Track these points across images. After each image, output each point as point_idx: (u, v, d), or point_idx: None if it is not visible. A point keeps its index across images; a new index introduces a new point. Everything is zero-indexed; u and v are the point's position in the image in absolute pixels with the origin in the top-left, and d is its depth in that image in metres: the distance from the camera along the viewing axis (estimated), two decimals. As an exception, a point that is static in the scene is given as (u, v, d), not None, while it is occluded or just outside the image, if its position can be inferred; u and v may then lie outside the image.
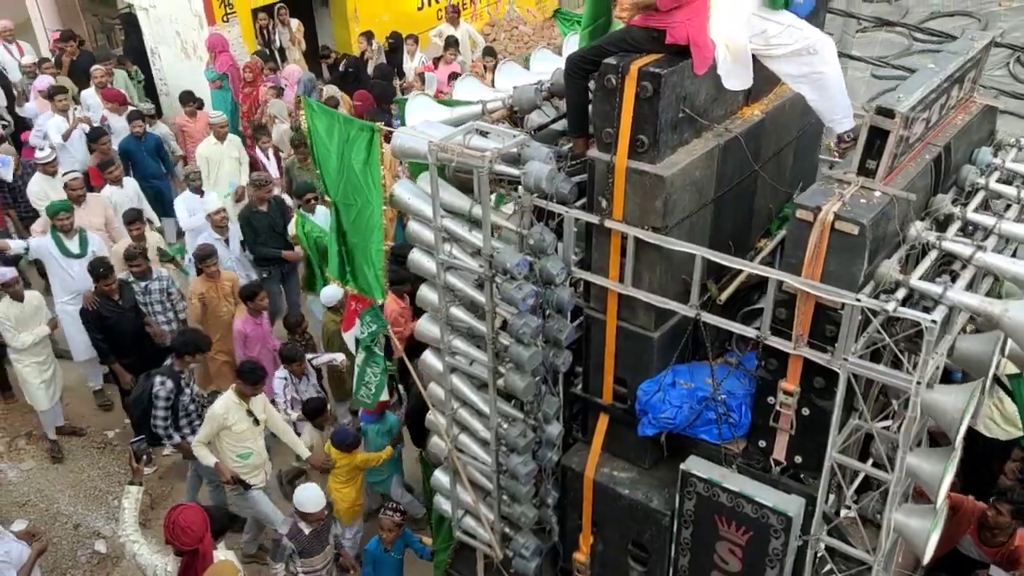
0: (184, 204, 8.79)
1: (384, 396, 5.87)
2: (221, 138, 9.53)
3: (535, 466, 4.59)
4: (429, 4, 14.49)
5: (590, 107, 4.27)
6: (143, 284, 7.56)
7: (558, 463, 4.78)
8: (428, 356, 4.70)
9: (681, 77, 3.95)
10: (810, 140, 4.97)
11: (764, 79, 4.34)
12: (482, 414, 4.63)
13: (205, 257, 7.60)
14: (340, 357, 7.22)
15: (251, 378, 6.13)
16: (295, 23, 12.48)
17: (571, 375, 4.71)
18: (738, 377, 4.24)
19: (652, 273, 4.17)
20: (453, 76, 10.65)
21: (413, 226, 4.46)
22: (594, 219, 4.18)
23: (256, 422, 6.25)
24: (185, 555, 4.78)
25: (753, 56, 4.14)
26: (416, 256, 4.51)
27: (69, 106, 9.81)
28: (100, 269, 7.23)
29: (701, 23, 4.00)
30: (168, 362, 6.58)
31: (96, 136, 9.49)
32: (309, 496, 5.56)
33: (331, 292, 6.96)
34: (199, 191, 8.75)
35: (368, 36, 12.53)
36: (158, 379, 6.38)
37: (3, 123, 10.33)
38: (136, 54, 12.41)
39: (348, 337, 6.23)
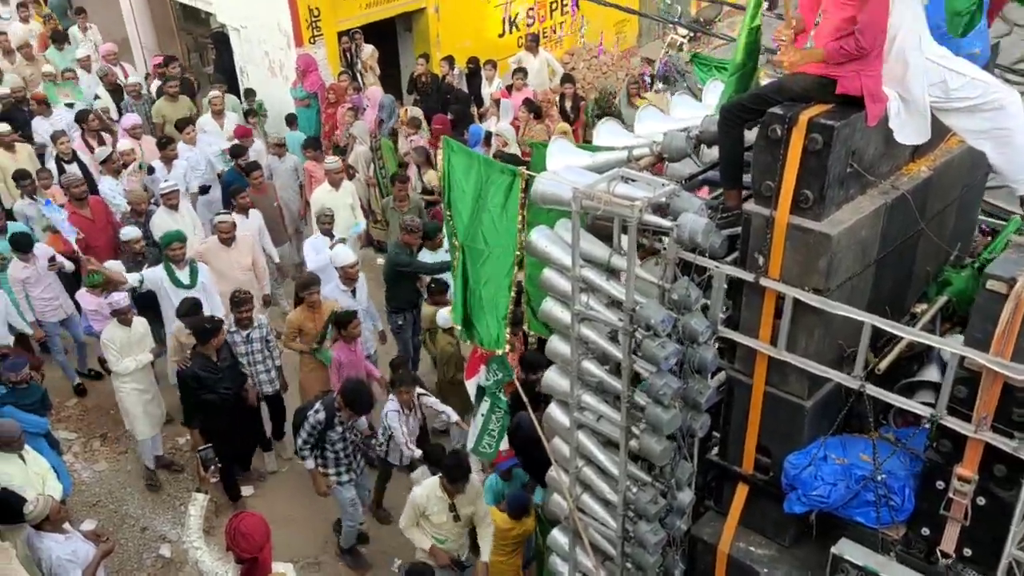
0: (312, 246, 8.39)
1: (504, 446, 5.58)
2: (336, 184, 9.04)
3: (665, 535, 4.29)
4: (510, 31, 14.45)
5: (746, 158, 4.02)
6: (245, 333, 7.05)
7: (687, 533, 4.49)
8: (554, 410, 4.44)
9: (852, 130, 3.69)
10: (972, 198, 4.63)
11: (932, 132, 4.04)
12: (609, 475, 4.35)
13: (307, 285, 7.13)
14: (454, 417, 6.70)
15: (452, 476, 5.64)
16: (368, 49, 12.40)
17: (706, 440, 4.41)
18: (899, 456, 3.90)
19: (809, 337, 3.88)
20: (526, 102, 10.83)
21: (547, 274, 4.23)
22: (748, 276, 3.91)
23: (457, 518, 5.80)
24: (244, 563, 4.67)
25: (927, 109, 3.86)
26: (549, 306, 4.27)
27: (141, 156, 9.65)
28: (206, 326, 6.64)
29: (876, 73, 3.72)
30: (333, 395, 6.31)
31: (250, 169, 9.14)
32: None
33: (447, 315, 6.63)
34: (328, 233, 8.25)
35: (449, 61, 12.47)
36: (317, 405, 6.15)
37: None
38: (225, 72, 12.53)
39: (470, 385, 5.97)
